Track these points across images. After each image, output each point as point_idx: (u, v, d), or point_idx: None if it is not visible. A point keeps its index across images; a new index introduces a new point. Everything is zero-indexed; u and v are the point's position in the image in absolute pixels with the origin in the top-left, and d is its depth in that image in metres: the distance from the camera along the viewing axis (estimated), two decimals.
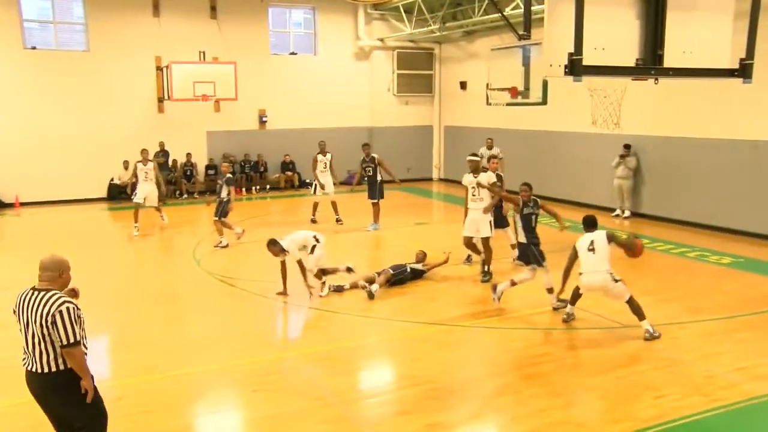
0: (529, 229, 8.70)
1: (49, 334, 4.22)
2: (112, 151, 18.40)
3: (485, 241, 10.09)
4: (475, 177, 10.04)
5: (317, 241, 9.33)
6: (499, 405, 6.16)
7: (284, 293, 9.33)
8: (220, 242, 12.44)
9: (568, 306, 8.27)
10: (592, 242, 7.81)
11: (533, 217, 8.73)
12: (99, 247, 12.95)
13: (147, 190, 14.05)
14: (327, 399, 6.21)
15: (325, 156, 14.85)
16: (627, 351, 7.35)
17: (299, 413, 5.93)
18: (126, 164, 18.38)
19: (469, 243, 10.39)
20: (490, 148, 15.95)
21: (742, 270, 10.74)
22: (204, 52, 18.43)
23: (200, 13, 19.30)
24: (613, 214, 15.52)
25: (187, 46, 18.52)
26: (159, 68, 18.68)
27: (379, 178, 13.96)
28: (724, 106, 13.18)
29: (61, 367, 4.29)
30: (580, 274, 7.86)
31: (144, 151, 14.39)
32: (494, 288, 8.89)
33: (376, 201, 13.97)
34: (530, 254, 8.65)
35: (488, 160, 16.20)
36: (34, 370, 4.30)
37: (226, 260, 11.61)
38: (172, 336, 8.07)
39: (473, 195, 10.12)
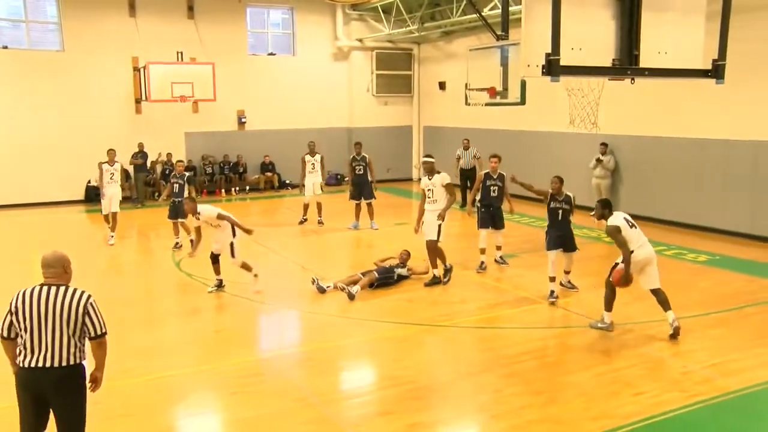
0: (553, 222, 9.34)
1: (81, 327, 4.38)
2: (89, 152, 18.09)
3: (432, 244, 9.76)
4: (430, 179, 9.97)
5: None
6: (480, 404, 6.19)
7: (192, 254, 9.95)
8: (177, 242, 12.43)
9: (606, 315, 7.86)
10: (626, 219, 7.69)
11: (560, 211, 9.30)
12: (75, 250, 12.63)
13: (111, 194, 13.21)
14: (308, 400, 6.20)
15: (313, 157, 14.78)
16: (606, 349, 7.42)
17: (280, 414, 5.91)
18: (101, 166, 18.15)
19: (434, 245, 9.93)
20: (466, 148, 16.21)
21: (718, 267, 10.90)
22: (182, 53, 18.29)
23: (177, 13, 19.15)
24: (592, 213, 15.60)
25: (164, 46, 18.35)
26: (136, 69, 18.51)
27: (369, 177, 13.97)
28: (699, 106, 13.36)
29: (78, 360, 4.41)
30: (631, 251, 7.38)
31: (111, 152, 13.56)
32: (551, 293, 9.04)
33: (370, 201, 13.99)
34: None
35: (473, 158, 16.48)
36: (47, 365, 4.30)
37: (206, 262, 11.50)
38: (150, 339, 8.00)
39: (429, 197, 9.97)
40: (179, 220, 12.20)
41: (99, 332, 4.46)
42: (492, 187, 10.91)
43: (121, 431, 5.66)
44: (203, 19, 19.41)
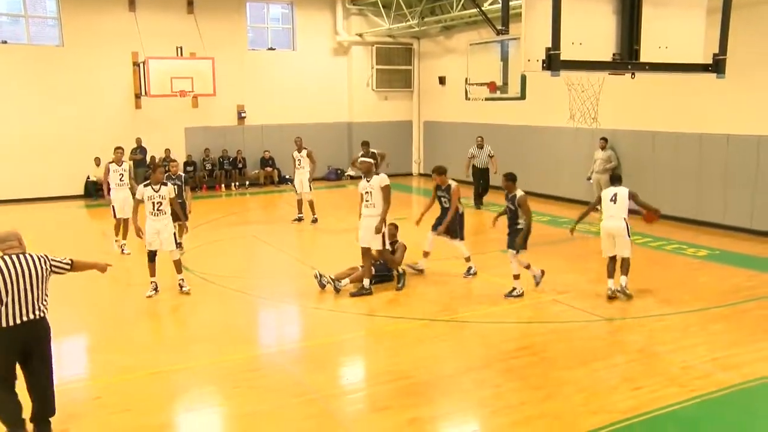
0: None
1: (48, 279, 5.25)
2: (89, 147, 18.18)
3: (377, 252, 9.25)
4: (368, 181, 9.14)
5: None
6: (479, 399, 6.20)
7: (140, 236, 9.42)
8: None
9: (610, 281, 8.92)
10: (615, 194, 8.94)
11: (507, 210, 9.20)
12: (75, 245, 12.78)
13: (122, 197, 11.88)
14: (307, 395, 6.21)
15: (300, 153, 14.55)
16: (604, 343, 7.43)
17: (280, 410, 5.91)
18: (98, 161, 18.18)
19: (368, 253, 9.23)
20: (480, 146, 15.82)
21: (718, 262, 10.90)
22: (181, 48, 18.24)
23: (177, 8, 19.12)
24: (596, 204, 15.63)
25: (164, 41, 18.31)
26: (136, 64, 18.48)
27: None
28: (699, 101, 13.34)
29: (46, 312, 5.26)
30: (601, 221, 9.07)
31: (118, 150, 12.33)
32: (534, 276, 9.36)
33: None
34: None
35: (487, 158, 15.92)
36: (31, 318, 5.09)
37: (207, 257, 11.52)
38: (151, 334, 8.02)
39: (366, 201, 9.15)
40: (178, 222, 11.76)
41: (68, 263, 5.39)
42: (442, 198, 10.16)
43: (122, 426, 5.66)
44: (203, 14, 19.36)
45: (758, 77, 12.28)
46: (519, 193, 9.00)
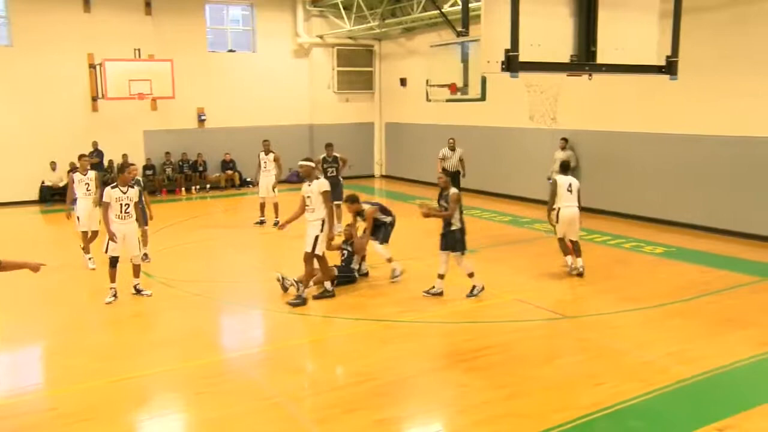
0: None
1: None
2: (44, 151, 17.77)
3: (307, 256, 8.89)
4: (309, 185, 9.00)
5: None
6: (445, 398, 6.23)
7: (113, 239, 8.98)
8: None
9: (569, 258, 9.99)
10: (570, 184, 9.94)
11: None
12: (31, 250, 12.46)
13: (87, 208, 11.01)
14: (273, 399, 6.16)
15: (267, 155, 14.50)
16: (567, 341, 7.54)
17: (246, 414, 5.85)
18: (54, 165, 17.78)
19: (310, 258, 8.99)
20: (452, 149, 15.34)
21: (674, 259, 11.15)
22: (139, 50, 17.96)
23: (134, 8, 18.78)
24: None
25: (121, 43, 17.99)
26: (92, 66, 18.11)
27: (341, 179, 13.45)
28: (656, 102, 13.64)
29: None
30: (558, 209, 9.86)
31: (84, 158, 11.64)
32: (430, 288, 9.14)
33: (339, 203, 12.78)
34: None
35: (458, 161, 15.26)
36: None
37: (167, 262, 11.34)
38: (111, 341, 7.85)
39: (307, 206, 9.02)
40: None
41: None
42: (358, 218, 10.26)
43: None
44: (161, 16, 19.08)
45: (714, 79, 12.61)
46: (452, 190, 8.92)
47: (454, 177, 15.40)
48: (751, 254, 11.32)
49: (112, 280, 9.08)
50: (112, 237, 8.99)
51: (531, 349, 7.31)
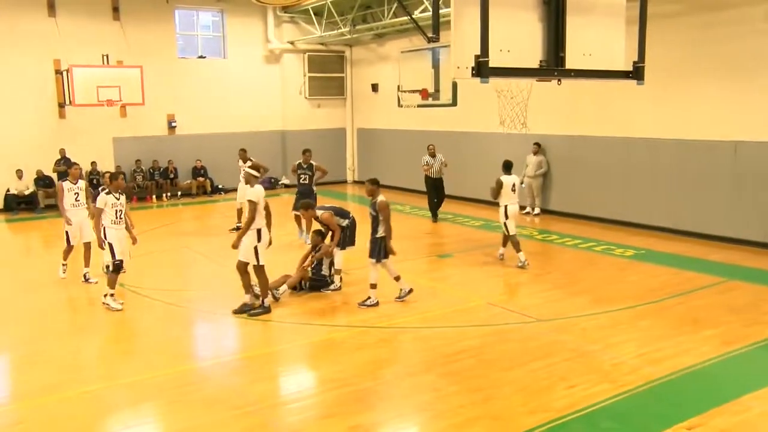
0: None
1: None
2: (9, 159, 17.43)
3: (256, 269, 8.72)
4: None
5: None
6: (420, 403, 6.24)
7: (102, 246, 9.07)
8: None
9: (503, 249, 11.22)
10: (514, 184, 10.87)
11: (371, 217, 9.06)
12: None
13: (79, 219, 10.43)
14: (247, 407, 6.10)
15: (245, 163, 14.41)
16: (540, 344, 7.60)
17: (219, 423, 5.79)
18: (20, 173, 17.46)
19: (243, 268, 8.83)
20: (433, 155, 15.03)
21: (644, 261, 11.32)
22: (107, 56, 17.71)
23: (101, 13, 18.54)
24: (524, 211, 16.00)
25: (88, 48, 17.75)
26: (58, 72, 17.81)
27: (314, 188, 13.19)
28: (624, 106, 13.87)
29: None
30: (506, 206, 10.79)
31: (76, 167, 10.80)
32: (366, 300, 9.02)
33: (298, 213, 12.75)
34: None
35: (440, 166, 14.96)
36: None
37: (139, 270, 11.18)
38: (79, 351, 7.71)
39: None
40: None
41: None
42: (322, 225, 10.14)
43: None
44: (130, 21, 18.87)
45: (680, 83, 12.86)
46: (379, 198, 8.92)
47: (437, 184, 15.33)
48: (716, 255, 11.56)
49: (113, 286, 8.97)
50: (101, 244, 8.99)
51: (504, 353, 7.36)
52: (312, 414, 6.05)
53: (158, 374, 6.88)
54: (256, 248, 8.57)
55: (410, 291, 9.23)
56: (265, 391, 6.52)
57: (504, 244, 11.28)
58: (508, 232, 10.90)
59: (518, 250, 10.83)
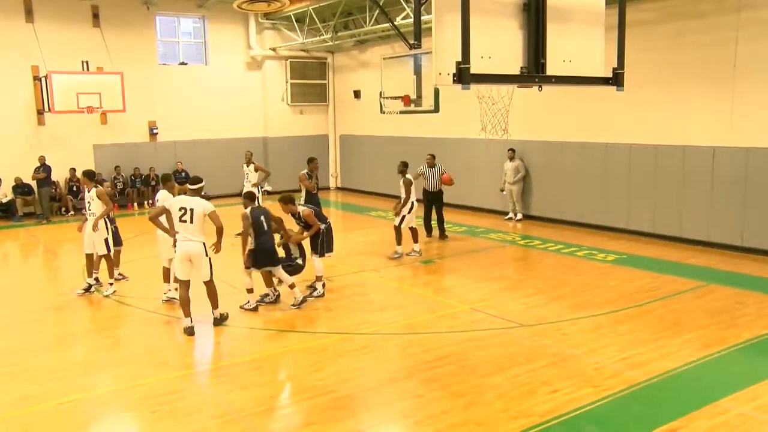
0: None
1: None
2: None
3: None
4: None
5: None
6: (402, 410, 6.22)
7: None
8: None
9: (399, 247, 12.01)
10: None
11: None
12: None
13: (86, 230, 10.04)
14: (228, 415, 6.06)
15: (248, 166, 14.78)
16: (522, 349, 7.62)
17: None
18: None
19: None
20: (432, 166, 13.59)
21: (625, 266, 11.41)
22: (87, 62, 17.58)
23: (81, 20, 18.40)
24: (506, 217, 16.09)
25: (67, 55, 17.61)
26: (37, 78, 17.63)
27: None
28: (604, 112, 14.01)
29: None
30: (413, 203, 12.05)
31: (90, 175, 10.13)
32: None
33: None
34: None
35: (440, 176, 13.45)
36: None
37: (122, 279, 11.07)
38: (58, 361, 7.59)
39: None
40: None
41: None
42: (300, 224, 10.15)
43: None
44: (110, 28, 18.73)
45: (656, 89, 13.02)
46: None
47: (435, 198, 13.78)
48: (695, 259, 11.69)
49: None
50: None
51: (487, 358, 7.37)
52: (294, 422, 6.02)
53: (140, 383, 6.80)
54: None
55: (255, 307, 9.15)
56: (247, 399, 6.47)
57: (399, 242, 12.19)
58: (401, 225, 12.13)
59: (398, 243, 12.13)
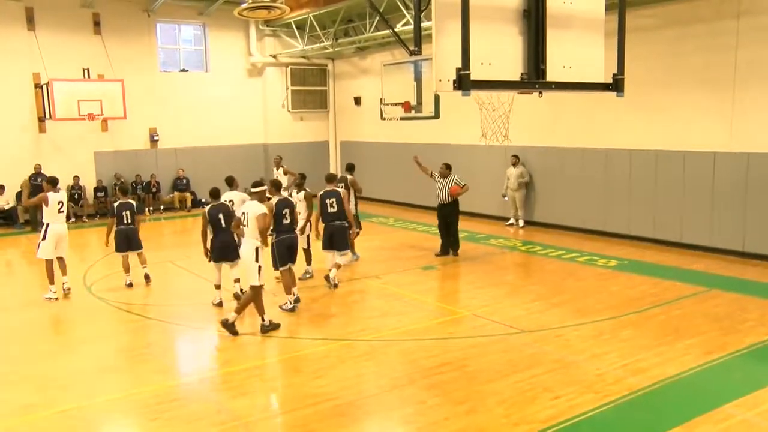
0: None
1: None
2: None
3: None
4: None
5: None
6: (404, 417, 6.21)
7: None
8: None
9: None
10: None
11: None
12: None
13: (59, 234, 10.21)
14: (228, 423, 6.04)
15: (278, 170, 14.79)
16: (523, 355, 7.61)
17: None
18: (1, 189, 17.23)
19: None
20: (445, 176, 12.84)
21: (626, 271, 11.39)
22: (88, 69, 17.63)
23: (82, 28, 18.41)
24: (507, 223, 16.09)
25: (69, 62, 17.65)
26: (38, 85, 17.65)
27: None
28: (604, 118, 14.02)
29: None
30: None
31: (52, 180, 10.30)
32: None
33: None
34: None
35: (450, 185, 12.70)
36: None
37: (121, 285, 11.07)
38: (59, 369, 7.59)
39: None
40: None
41: None
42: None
43: None
44: (111, 35, 18.76)
45: (657, 95, 13.03)
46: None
47: (448, 212, 12.90)
48: (696, 265, 11.68)
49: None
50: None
51: (488, 364, 7.36)
52: (295, 429, 6.00)
53: (140, 391, 6.80)
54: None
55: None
56: (248, 406, 6.46)
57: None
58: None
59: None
